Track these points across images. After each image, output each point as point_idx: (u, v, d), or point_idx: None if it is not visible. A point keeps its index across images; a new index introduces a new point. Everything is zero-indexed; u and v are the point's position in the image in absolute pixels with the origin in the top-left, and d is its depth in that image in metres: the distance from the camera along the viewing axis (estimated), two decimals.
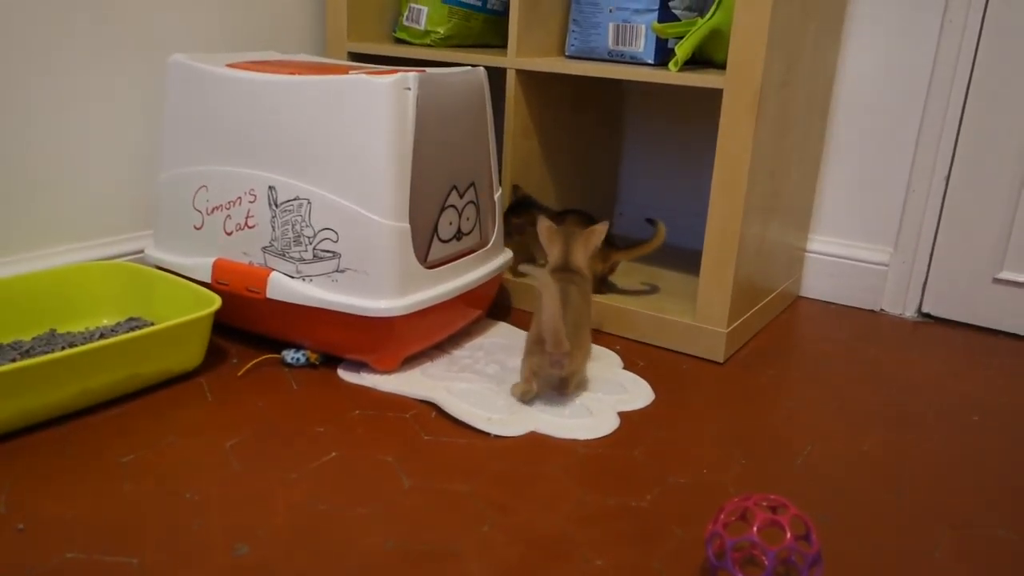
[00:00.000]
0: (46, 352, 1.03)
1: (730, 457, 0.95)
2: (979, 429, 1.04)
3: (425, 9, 1.42)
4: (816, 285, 1.49)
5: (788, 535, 0.68)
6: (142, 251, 1.26)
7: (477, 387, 1.06)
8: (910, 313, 1.43)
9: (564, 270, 1.10)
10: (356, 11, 1.45)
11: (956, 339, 1.34)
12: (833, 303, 1.48)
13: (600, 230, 1.12)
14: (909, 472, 0.93)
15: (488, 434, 0.97)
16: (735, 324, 1.21)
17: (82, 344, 1.02)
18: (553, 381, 1.05)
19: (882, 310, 1.45)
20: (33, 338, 1.09)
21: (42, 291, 1.13)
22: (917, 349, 1.29)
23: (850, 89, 1.40)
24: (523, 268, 1.06)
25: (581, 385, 1.08)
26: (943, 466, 0.95)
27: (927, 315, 1.43)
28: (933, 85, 1.33)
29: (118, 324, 1.14)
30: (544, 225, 1.13)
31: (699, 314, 1.20)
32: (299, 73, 1.06)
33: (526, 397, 1.03)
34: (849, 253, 1.46)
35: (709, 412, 1.05)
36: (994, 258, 1.35)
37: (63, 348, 1.05)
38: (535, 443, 0.95)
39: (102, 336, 1.09)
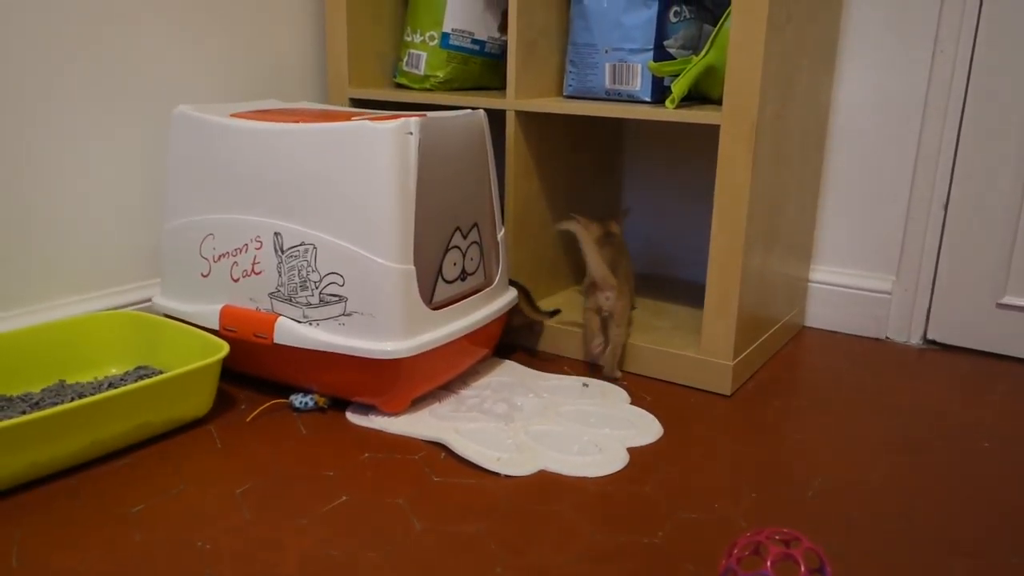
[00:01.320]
0: (55, 403, 1.03)
1: (741, 490, 0.94)
2: (989, 455, 1.04)
3: (424, 54, 1.45)
4: (820, 315, 1.50)
5: (802, 569, 0.68)
6: (150, 300, 1.27)
7: (485, 426, 1.06)
8: (915, 340, 1.43)
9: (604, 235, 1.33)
10: (357, 58, 1.47)
11: (962, 365, 1.34)
12: (838, 332, 1.48)
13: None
14: (921, 501, 0.93)
15: (498, 474, 0.97)
16: (741, 356, 1.21)
17: (91, 394, 1.03)
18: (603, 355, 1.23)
19: (887, 338, 1.45)
20: (43, 389, 1.10)
21: (51, 342, 1.14)
22: (923, 376, 1.29)
23: (846, 120, 1.42)
24: (562, 225, 1.24)
25: (617, 358, 1.24)
26: (954, 494, 0.95)
27: (932, 342, 1.43)
28: (927, 114, 1.35)
29: (127, 373, 1.15)
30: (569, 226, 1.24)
31: (704, 347, 1.20)
32: (302, 121, 1.08)
33: (598, 349, 1.22)
34: (852, 282, 1.47)
35: (718, 445, 1.05)
36: (997, 283, 1.35)
37: (72, 399, 1.05)
38: (545, 482, 0.95)
39: (111, 386, 1.10)
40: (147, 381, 0.97)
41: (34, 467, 0.91)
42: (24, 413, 1.01)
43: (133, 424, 0.98)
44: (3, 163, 1.13)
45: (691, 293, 1.54)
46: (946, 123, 1.34)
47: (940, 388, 1.25)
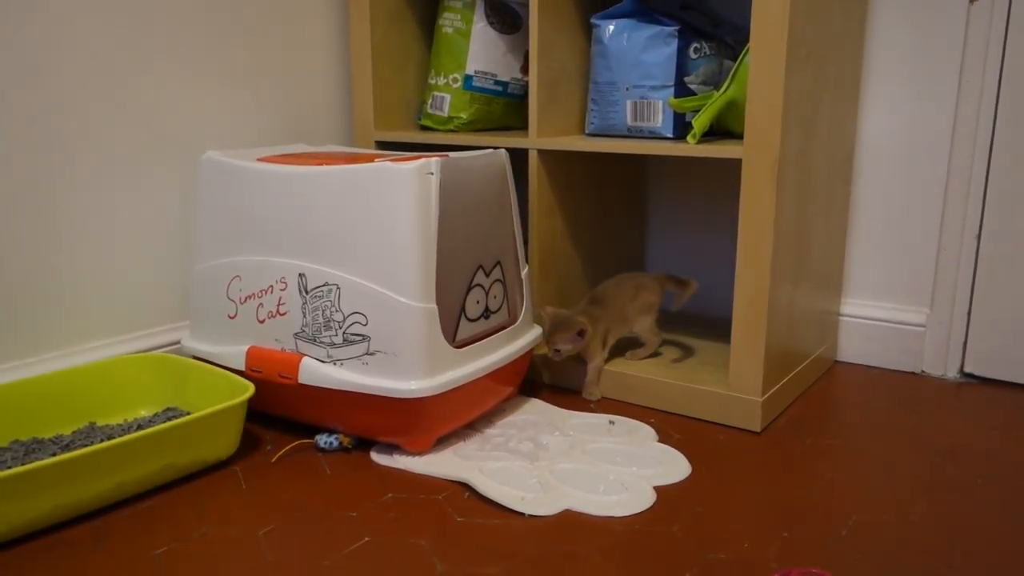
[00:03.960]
0: (86, 445, 1.04)
1: (771, 530, 0.92)
2: None
3: (448, 96, 1.47)
4: (853, 349, 1.47)
5: None
6: (178, 342, 1.29)
7: (510, 465, 1.05)
8: (952, 374, 1.40)
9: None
10: (382, 102, 1.50)
11: (1002, 399, 1.30)
12: (872, 367, 1.45)
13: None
14: (960, 543, 0.90)
15: (522, 514, 0.95)
16: (770, 392, 1.19)
17: (121, 436, 1.04)
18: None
19: (923, 372, 1.42)
20: (73, 432, 1.11)
21: (82, 385, 1.15)
22: (961, 411, 1.26)
23: (872, 152, 1.41)
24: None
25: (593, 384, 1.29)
26: (996, 536, 0.91)
27: (970, 375, 1.39)
28: (956, 143, 1.33)
29: (156, 415, 1.16)
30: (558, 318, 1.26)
31: (732, 383, 1.18)
32: (327, 163, 1.10)
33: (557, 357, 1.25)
34: (885, 315, 1.44)
35: (748, 484, 1.03)
36: None
37: (102, 441, 1.06)
38: (570, 522, 0.94)
39: (140, 427, 1.11)
40: (172, 423, 0.98)
41: (60, 509, 0.91)
42: (55, 455, 1.02)
43: (159, 466, 0.98)
44: (34, 208, 1.17)
45: (718, 328, 1.52)
46: (975, 151, 1.32)
47: (980, 424, 1.21)
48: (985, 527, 0.92)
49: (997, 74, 1.28)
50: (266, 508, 0.97)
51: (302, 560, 0.86)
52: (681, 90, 1.26)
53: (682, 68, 1.25)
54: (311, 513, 0.96)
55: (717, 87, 1.31)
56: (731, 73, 1.19)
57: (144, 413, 1.18)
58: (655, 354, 1.35)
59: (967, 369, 1.39)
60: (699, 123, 1.17)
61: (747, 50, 1.12)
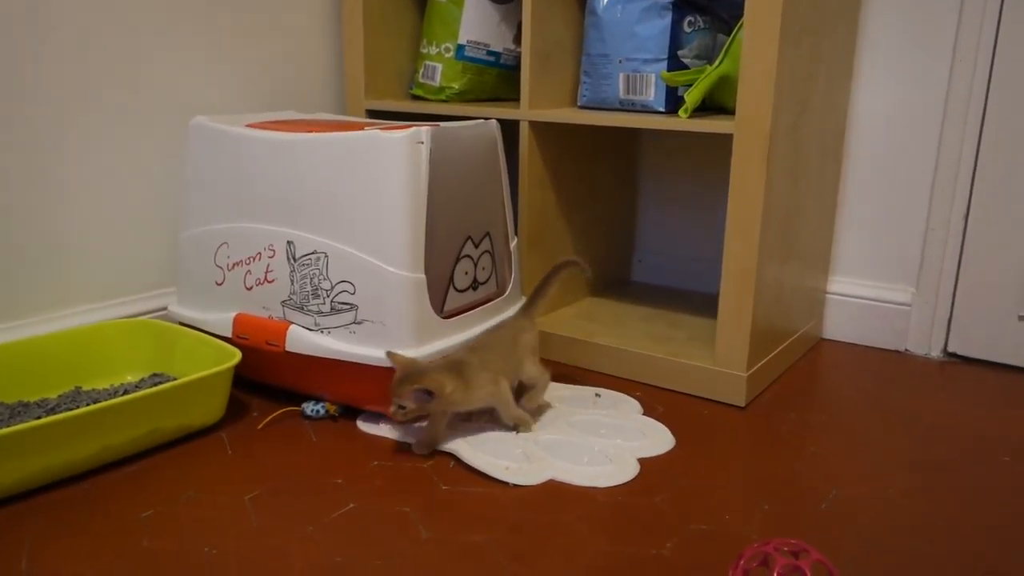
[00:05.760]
0: (71, 409, 1.04)
1: (753, 503, 0.93)
2: (1010, 470, 1.02)
3: (440, 66, 1.46)
4: (839, 327, 1.48)
5: None
6: (166, 308, 1.29)
7: (494, 436, 1.06)
8: (936, 353, 1.41)
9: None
10: (373, 70, 1.48)
11: (984, 378, 1.32)
12: (856, 345, 1.46)
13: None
14: (938, 516, 0.91)
15: (507, 483, 0.96)
16: (755, 368, 1.19)
17: (106, 400, 1.04)
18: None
19: (907, 351, 1.43)
20: (59, 395, 1.11)
21: (68, 349, 1.15)
22: (944, 390, 1.27)
23: (863, 130, 1.41)
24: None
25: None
26: (973, 510, 0.93)
27: (953, 355, 1.41)
28: (947, 124, 1.33)
29: (142, 380, 1.16)
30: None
31: (718, 358, 1.19)
32: (316, 131, 1.09)
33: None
34: (870, 294, 1.45)
35: (731, 457, 1.04)
36: (1019, 295, 1.33)
37: (88, 404, 1.06)
38: (554, 491, 0.95)
39: (126, 392, 1.11)
40: (159, 387, 0.98)
41: (46, 472, 0.91)
42: (40, 418, 1.02)
43: (145, 430, 0.99)
44: (21, 174, 1.15)
45: (706, 304, 1.52)
46: (966, 133, 1.32)
47: (961, 402, 1.22)
48: (964, 503, 0.94)
49: (990, 55, 1.28)
50: (252, 474, 0.97)
51: (287, 525, 0.87)
52: (674, 64, 1.25)
53: (676, 41, 1.25)
54: (297, 480, 0.96)
55: (710, 61, 1.30)
56: (725, 48, 1.18)
57: (130, 378, 1.18)
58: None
59: (951, 349, 1.40)
60: (691, 97, 1.17)
61: (741, 24, 1.12)
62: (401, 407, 0.99)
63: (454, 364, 1.02)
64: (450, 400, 1.00)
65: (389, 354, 1.02)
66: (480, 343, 1.08)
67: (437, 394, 0.97)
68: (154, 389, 0.97)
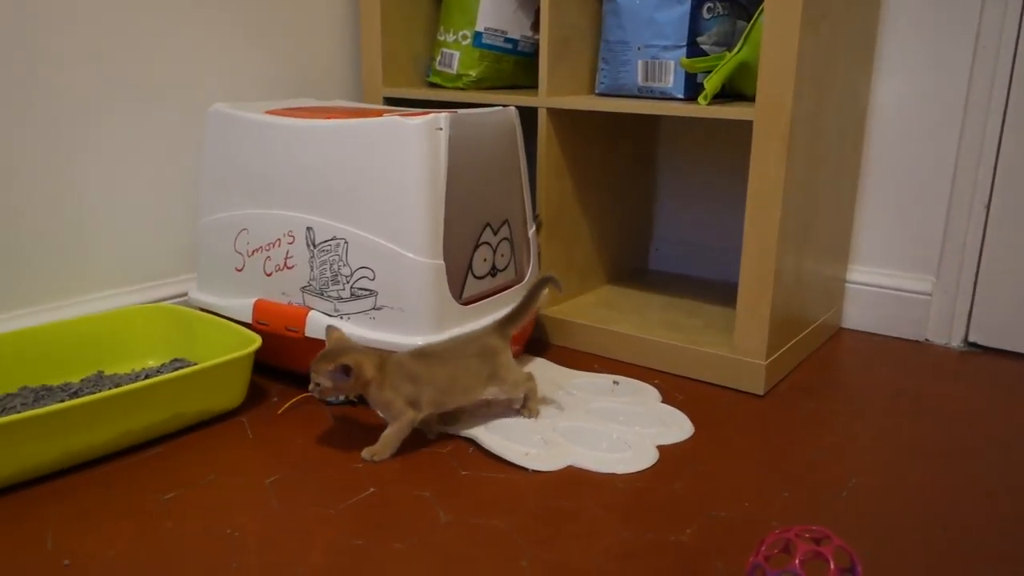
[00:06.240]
0: (94, 393, 1.05)
1: (772, 490, 0.93)
2: None
3: (457, 53, 1.46)
4: (858, 316, 1.47)
5: (832, 567, 0.66)
6: (186, 294, 1.29)
7: (513, 422, 1.06)
8: (956, 343, 1.40)
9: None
10: (391, 58, 1.48)
11: (1005, 368, 1.31)
12: (876, 334, 1.45)
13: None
14: (959, 506, 0.91)
15: (526, 469, 0.96)
16: (774, 356, 1.19)
17: (128, 384, 1.04)
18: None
19: (927, 340, 1.42)
20: (81, 380, 1.12)
21: (91, 334, 1.16)
22: (964, 379, 1.26)
23: (884, 117, 1.39)
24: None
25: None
26: (994, 500, 0.92)
27: (974, 344, 1.40)
28: (969, 111, 1.32)
29: (163, 365, 1.16)
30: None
31: (737, 347, 1.18)
32: (335, 118, 1.09)
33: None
34: (891, 283, 1.44)
35: (750, 445, 1.04)
36: None
37: (110, 389, 1.07)
38: (573, 477, 0.95)
39: (147, 377, 1.12)
40: (180, 372, 0.99)
41: (70, 455, 0.92)
42: (63, 402, 1.03)
43: (166, 414, 0.99)
44: (44, 161, 1.16)
45: (723, 292, 1.52)
46: (988, 120, 1.31)
47: (981, 392, 1.21)
48: (982, 491, 0.93)
49: (1014, 41, 1.27)
50: (272, 458, 0.98)
51: (307, 508, 0.87)
52: (693, 50, 1.24)
53: (695, 28, 1.24)
54: (316, 464, 0.97)
55: (730, 48, 1.29)
56: (744, 34, 1.17)
57: (152, 363, 1.19)
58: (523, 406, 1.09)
59: (971, 338, 1.39)
60: (711, 84, 1.16)
61: (761, 10, 1.11)
62: (317, 384, 0.95)
63: (386, 359, 0.97)
64: (365, 388, 0.96)
65: (329, 328, 1.00)
66: (435, 353, 1.01)
67: (356, 374, 0.94)
68: (175, 374, 0.98)
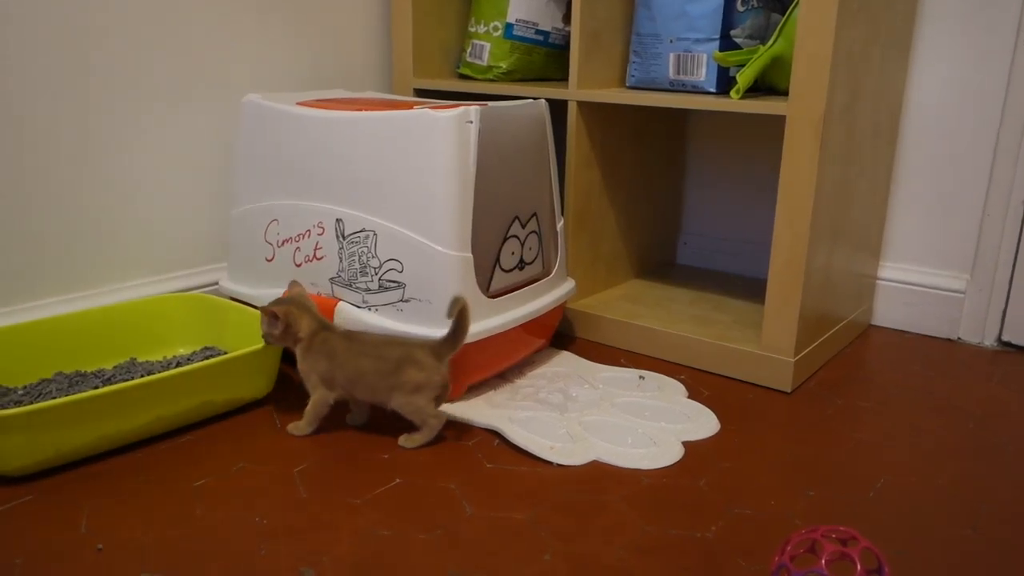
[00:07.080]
0: (126, 380, 1.07)
1: (798, 488, 0.92)
2: None
3: (488, 45, 1.46)
4: (889, 313, 1.45)
5: (859, 568, 0.66)
6: (217, 283, 1.31)
7: (540, 415, 1.06)
8: (989, 342, 1.38)
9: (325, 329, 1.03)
10: (421, 49, 1.49)
11: None
12: (907, 332, 1.44)
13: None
14: (990, 507, 0.89)
15: (551, 463, 0.97)
16: (802, 353, 1.18)
17: (160, 372, 1.06)
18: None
19: (959, 339, 1.40)
20: (115, 366, 1.14)
21: (123, 322, 1.18)
22: (996, 379, 1.24)
23: (919, 112, 1.37)
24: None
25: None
26: (1022, 500, 0.91)
27: (1007, 344, 1.37)
28: (1008, 106, 1.29)
29: (194, 353, 1.18)
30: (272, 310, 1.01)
31: (765, 343, 1.18)
32: (365, 109, 1.10)
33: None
34: (923, 280, 1.42)
35: (776, 442, 1.03)
36: None
37: (142, 376, 1.09)
38: (598, 472, 0.95)
39: (178, 365, 1.13)
40: (211, 361, 1.00)
41: (102, 440, 0.94)
42: (96, 387, 1.05)
43: (197, 402, 1.01)
44: (79, 152, 1.18)
45: (751, 287, 1.51)
46: None
47: (1015, 391, 1.20)
48: (1013, 492, 0.92)
49: None
50: (300, 447, 0.99)
51: (334, 498, 0.88)
52: (726, 44, 1.23)
53: (728, 21, 1.23)
54: (343, 454, 0.98)
55: (763, 41, 1.28)
56: (779, 27, 1.16)
57: (183, 351, 1.21)
58: (439, 437, 1.02)
59: (1005, 337, 1.37)
60: (744, 78, 1.15)
61: (796, 3, 1.10)
62: (263, 328, 1.02)
63: (322, 330, 1.01)
64: (295, 343, 1.01)
65: (292, 282, 1.07)
66: (361, 340, 1.00)
67: (284, 326, 0.99)
68: (206, 362, 1.00)
